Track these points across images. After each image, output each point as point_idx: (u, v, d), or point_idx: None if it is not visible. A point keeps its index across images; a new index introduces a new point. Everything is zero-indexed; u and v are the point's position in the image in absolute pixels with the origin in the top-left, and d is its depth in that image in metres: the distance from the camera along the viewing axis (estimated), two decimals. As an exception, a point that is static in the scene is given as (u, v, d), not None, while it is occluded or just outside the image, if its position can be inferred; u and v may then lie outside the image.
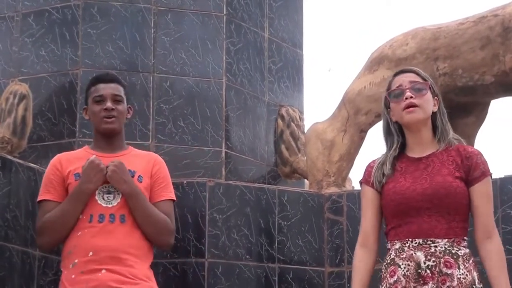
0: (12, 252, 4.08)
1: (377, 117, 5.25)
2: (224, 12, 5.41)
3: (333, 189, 5.05)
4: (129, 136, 5.00)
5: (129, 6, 5.27)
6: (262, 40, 5.66)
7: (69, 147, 4.93)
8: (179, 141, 5.20)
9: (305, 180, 5.68)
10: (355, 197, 4.71)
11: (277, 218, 4.68)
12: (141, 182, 3.40)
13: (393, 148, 2.99)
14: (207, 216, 4.52)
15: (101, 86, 3.48)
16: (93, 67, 5.13)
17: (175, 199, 3.52)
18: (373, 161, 3.06)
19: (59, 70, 5.18)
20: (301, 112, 5.87)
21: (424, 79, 2.98)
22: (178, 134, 5.15)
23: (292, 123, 5.69)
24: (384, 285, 2.90)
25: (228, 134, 5.33)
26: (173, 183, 4.54)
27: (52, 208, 3.38)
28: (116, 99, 3.46)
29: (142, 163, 3.47)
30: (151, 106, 5.20)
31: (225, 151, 5.26)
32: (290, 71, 5.86)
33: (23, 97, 5.06)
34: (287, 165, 5.66)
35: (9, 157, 4.32)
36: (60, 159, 3.51)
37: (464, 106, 5.24)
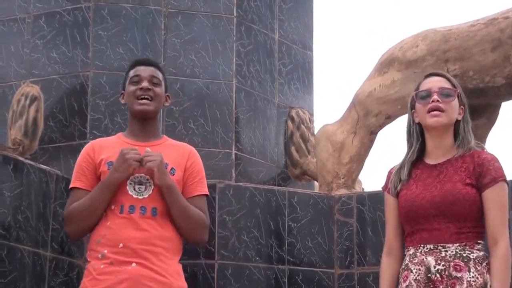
0: (23, 253, 4.12)
1: (387, 119, 5.25)
2: (234, 14, 5.43)
3: (343, 191, 5.05)
4: None
5: (139, 8, 5.28)
6: (272, 42, 5.67)
7: (80, 149, 4.98)
8: (189, 142, 5.12)
9: (315, 182, 5.68)
10: (365, 199, 4.72)
11: (287, 219, 4.69)
12: (173, 174, 3.29)
13: (412, 151, 2.98)
14: (217, 218, 4.52)
15: (140, 68, 3.39)
16: (103, 69, 5.16)
17: (208, 194, 3.43)
18: (393, 167, 3.05)
19: (70, 72, 5.20)
20: (311, 114, 5.88)
21: (454, 86, 2.97)
22: (188, 136, 5.14)
23: (302, 125, 5.70)
24: None
25: (238, 136, 5.34)
26: None
27: (82, 197, 3.28)
28: (154, 82, 3.36)
29: (175, 155, 3.36)
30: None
31: (235, 153, 5.27)
32: (300, 73, 5.86)
33: (34, 99, 5.08)
34: (297, 167, 5.66)
35: (20, 158, 4.36)
36: (93, 146, 3.39)
37: (475, 108, 5.19)
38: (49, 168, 4.49)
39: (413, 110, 2.98)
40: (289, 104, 5.70)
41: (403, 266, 2.91)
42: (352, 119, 5.28)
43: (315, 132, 5.55)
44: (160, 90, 3.37)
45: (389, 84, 5.17)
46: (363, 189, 5.92)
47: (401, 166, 2.97)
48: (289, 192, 4.78)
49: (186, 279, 4.41)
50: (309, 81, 5.95)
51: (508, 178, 2.98)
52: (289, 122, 5.67)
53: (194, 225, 3.27)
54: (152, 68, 3.39)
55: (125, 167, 3.17)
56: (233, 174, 5.19)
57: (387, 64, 5.31)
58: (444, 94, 2.93)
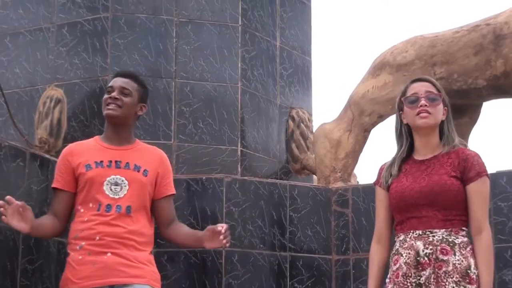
0: (49, 242, 4.11)
1: (380, 118, 5.26)
2: (240, 23, 5.42)
3: (339, 184, 5.05)
4: (153, 136, 5.02)
5: (153, 18, 5.28)
6: (274, 48, 5.66)
7: None
8: (199, 140, 5.20)
9: (314, 175, 5.67)
10: (359, 191, 4.72)
11: (288, 210, 4.68)
12: (146, 176, 3.32)
13: (402, 149, 2.99)
14: (224, 209, 4.53)
15: (115, 79, 3.42)
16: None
17: (174, 192, 3.47)
18: (384, 164, 3.06)
19: (91, 76, 5.20)
20: (310, 114, 5.86)
21: (439, 91, 2.99)
22: (198, 134, 5.16)
23: (301, 124, 5.70)
24: (390, 272, 2.92)
25: (243, 134, 5.33)
26: (193, 179, 4.58)
27: (59, 196, 3.36)
28: (124, 92, 3.36)
29: (148, 158, 3.38)
30: (173, 109, 5.21)
31: (241, 150, 5.27)
32: (300, 76, 5.85)
33: (58, 101, 5.08)
34: (297, 162, 5.66)
35: (46, 155, 4.34)
36: (71, 150, 3.42)
37: (458, 108, 5.19)
38: None
39: (401, 112, 3.00)
40: (290, 105, 5.69)
41: (394, 251, 2.93)
42: (347, 118, 5.29)
43: (314, 130, 5.54)
44: (129, 100, 3.37)
45: (381, 86, 5.17)
46: (358, 182, 5.92)
47: (392, 162, 2.99)
48: (290, 185, 4.78)
49: (197, 265, 4.48)
50: (308, 83, 5.93)
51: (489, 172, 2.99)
52: (290, 121, 5.67)
53: None
54: (126, 80, 3.40)
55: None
56: (239, 169, 5.19)
57: (379, 67, 5.31)
58: (431, 98, 2.95)
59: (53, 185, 3.41)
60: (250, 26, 5.49)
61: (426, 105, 2.92)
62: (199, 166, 5.07)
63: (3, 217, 3.14)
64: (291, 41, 5.80)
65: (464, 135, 5.34)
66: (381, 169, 3.06)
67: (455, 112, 5.25)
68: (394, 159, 3.00)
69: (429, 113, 2.92)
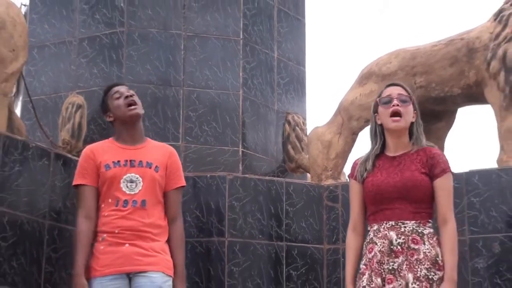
0: (71, 233, 4.08)
1: (366, 122, 5.23)
2: (241, 37, 5.41)
3: (330, 181, 5.04)
4: (163, 138, 4.98)
5: (163, 33, 5.26)
6: (272, 59, 5.64)
7: None
8: (204, 142, 5.18)
9: (308, 174, 5.63)
10: (348, 188, 4.73)
11: (284, 205, 4.67)
12: (157, 172, 3.30)
13: (376, 147, 3.00)
14: (227, 203, 4.51)
15: (116, 88, 3.42)
16: (134, 82, 5.10)
17: (185, 184, 3.42)
18: (358, 159, 3.07)
19: (107, 85, 5.12)
20: (304, 118, 5.83)
21: (409, 94, 3.01)
22: (203, 137, 5.14)
23: (297, 127, 5.66)
24: (365, 259, 2.93)
25: (244, 137, 5.31)
26: (199, 177, 4.57)
27: (88, 192, 3.30)
28: (130, 93, 3.38)
29: (158, 155, 3.35)
30: (181, 114, 5.19)
31: (242, 150, 5.25)
32: (295, 85, 5.82)
33: (79, 107, 5.07)
34: (293, 162, 5.63)
35: (68, 155, 4.36)
36: (92, 150, 3.40)
37: (436, 113, 5.22)
38: None
39: (376, 114, 3.02)
40: (286, 110, 5.66)
41: (368, 240, 2.93)
42: (338, 122, 5.28)
43: (308, 133, 5.53)
44: (137, 98, 3.39)
45: (367, 94, 5.17)
46: (347, 179, 5.90)
47: (367, 158, 3.00)
48: (286, 182, 4.76)
49: (202, 253, 4.47)
50: (302, 91, 5.90)
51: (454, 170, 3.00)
52: (286, 125, 5.63)
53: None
54: (125, 87, 3.42)
55: None
56: (240, 168, 5.17)
57: (366, 77, 5.30)
58: (402, 100, 2.96)
59: (81, 182, 3.36)
60: (251, 40, 5.48)
61: (398, 105, 2.93)
62: (204, 165, 5.06)
63: None
64: (287, 53, 5.78)
65: (441, 138, 5.35)
66: (355, 164, 3.06)
67: (433, 117, 5.31)
68: (368, 155, 3.01)
69: (401, 114, 2.93)
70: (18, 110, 5.19)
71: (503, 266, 4.25)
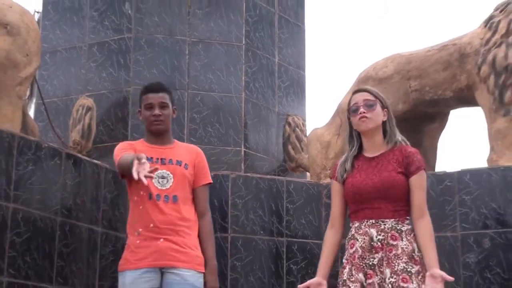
0: (81, 229, 4.16)
1: (363, 124, 5.28)
2: (243, 43, 5.42)
3: (329, 180, 4.96)
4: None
5: (169, 38, 5.27)
6: (273, 64, 5.65)
7: None
8: (208, 142, 5.19)
9: (307, 173, 5.63)
10: (345, 186, 4.74)
11: (285, 202, 4.68)
12: (187, 169, 3.30)
13: (353, 149, 3.02)
14: (229, 201, 4.52)
15: (150, 95, 3.36)
16: (141, 85, 4.97)
17: (211, 181, 3.43)
18: (338, 161, 3.09)
19: (116, 88, 5.20)
20: (304, 120, 5.84)
21: (376, 97, 3.01)
22: (207, 137, 5.15)
23: (297, 129, 5.67)
24: (346, 254, 2.93)
25: (246, 137, 5.32)
26: None
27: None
28: (163, 106, 3.34)
29: (187, 154, 3.36)
30: (186, 116, 5.20)
31: (244, 151, 5.26)
32: (295, 88, 5.83)
33: (89, 109, 5.09)
34: (293, 161, 5.64)
35: (79, 155, 4.40)
36: (130, 143, 3.41)
37: (430, 115, 5.24)
38: (100, 162, 4.49)
39: (350, 120, 3.03)
40: (286, 112, 5.68)
41: (350, 236, 2.93)
42: (336, 124, 5.28)
43: (307, 134, 5.53)
44: (167, 111, 3.35)
45: None
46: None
47: (345, 160, 3.01)
48: (287, 181, 4.78)
49: None
50: (302, 94, 5.91)
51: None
52: (287, 127, 5.65)
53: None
54: (160, 94, 3.35)
55: (132, 170, 3.04)
56: (242, 167, 5.18)
57: (363, 81, 5.28)
58: (368, 105, 2.96)
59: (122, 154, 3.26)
60: (252, 45, 5.49)
61: (364, 112, 2.95)
62: (208, 164, 5.09)
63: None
64: (288, 58, 5.80)
65: (434, 138, 5.36)
66: (335, 165, 3.08)
67: (427, 119, 5.33)
68: (346, 157, 3.02)
69: (367, 117, 2.95)
70: (31, 112, 5.20)
71: (493, 261, 4.26)
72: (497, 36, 4.83)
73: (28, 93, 4.90)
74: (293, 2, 5.93)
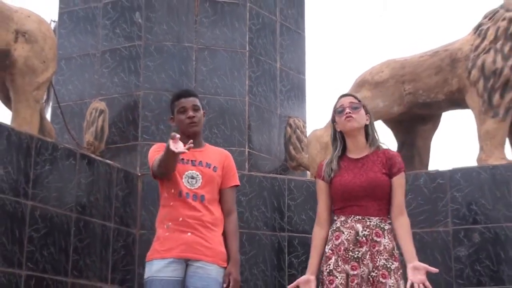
0: (95, 225, 4.18)
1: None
2: (247, 49, 5.40)
3: None
4: None
5: (177, 45, 5.26)
6: (275, 69, 5.64)
7: (134, 148, 4.97)
8: (214, 143, 5.01)
9: (307, 171, 5.63)
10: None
11: (286, 199, 4.69)
12: (215, 171, 3.32)
13: (337, 150, 3.05)
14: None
15: (183, 100, 3.36)
16: (151, 90, 5.13)
17: (239, 184, 3.43)
18: (323, 161, 3.12)
19: (127, 92, 5.18)
20: (304, 122, 5.81)
21: (359, 101, 3.08)
22: (213, 138, 5.12)
23: (297, 130, 5.65)
24: (331, 245, 2.95)
25: (250, 138, 5.31)
26: None
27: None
28: (195, 108, 3.35)
29: (216, 157, 3.36)
30: None
31: (248, 151, 5.25)
32: (296, 92, 5.81)
33: (101, 112, 5.08)
34: (294, 161, 5.62)
35: (92, 155, 4.43)
36: (161, 144, 3.39)
37: (423, 117, 5.26)
38: (112, 162, 4.50)
39: (335, 123, 3.08)
40: (288, 115, 5.65)
41: (335, 228, 2.96)
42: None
43: (307, 135, 5.55)
44: (199, 113, 3.37)
45: (362, 99, 5.22)
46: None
47: (331, 160, 3.04)
48: (288, 179, 4.79)
49: None
50: (302, 97, 5.90)
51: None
52: (288, 128, 5.62)
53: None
54: (191, 98, 3.38)
55: (169, 148, 3.07)
56: (247, 166, 5.16)
57: (360, 85, 5.32)
58: (353, 107, 3.02)
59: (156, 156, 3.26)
60: (256, 52, 5.48)
61: (350, 112, 3.00)
62: None
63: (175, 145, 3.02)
64: (289, 63, 5.78)
65: (427, 138, 5.38)
66: (321, 165, 3.10)
67: (420, 120, 5.35)
68: (331, 158, 3.05)
69: (353, 117, 3.00)
70: (48, 115, 5.16)
71: (482, 254, 4.29)
72: (486, 42, 4.86)
73: (45, 97, 4.90)
74: (293, 11, 5.92)
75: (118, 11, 5.36)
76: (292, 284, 3.04)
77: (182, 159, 3.28)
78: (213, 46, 5.34)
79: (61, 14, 5.56)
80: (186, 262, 3.17)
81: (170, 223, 3.22)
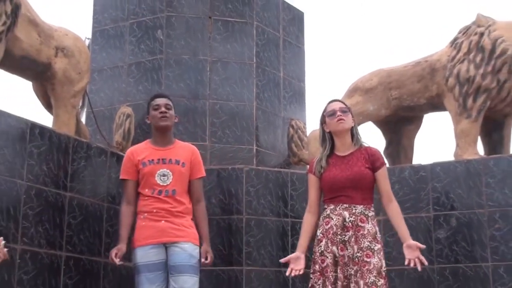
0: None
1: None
2: (254, 61, 5.41)
3: None
4: (194, 139, 5.00)
5: (193, 58, 5.27)
6: (279, 78, 5.64)
7: None
8: (226, 142, 5.19)
9: (307, 166, 5.63)
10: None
11: (289, 190, 4.70)
12: (184, 167, 3.35)
13: (326, 149, 3.10)
14: (244, 189, 4.56)
15: (158, 99, 3.45)
16: (171, 96, 5.01)
17: (205, 175, 3.44)
18: (314, 159, 3.17)
19: None
20: (304, 123, 5.72)
21: (347, 106, 3.13)
22: (225, 138, 5.14)
23: (298, 130, 5.56)
24: (321, 229, 3.00)
25: (258, 138, 5.32)
26: (221, 169, 4.57)
27: (129, 184, 3.33)
28: (167, 107, 3.41)
29: (184, 153, 3.38)
30: (207, 120, 5.19)
31: (256, 148, 5.26)
32: (297, 97, 5.82)
33: (128, 116, 5.06)
34: (296, 157, 5.50)
35: (121, 153, 4.38)
36: (132, 151, 3.44)
37: (407, 118, 5.28)
38: None
39: (324, 124, 3.12)
40: (290, 117, 5.63)
41: (325, 215, 3.00)
42: (331, 126, 5.33)
43: (307, 135, 5.51)
44: (171, 112, 3.41)
45: (354, 104, 5.19)
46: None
47: (320, 158, 3.09)
48: (291, 173, 4.79)
49: (225, 228, 4.48)
50: (302, 102, 5.89)
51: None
52: (290, 129, 5.53)
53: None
54: (164, 99, 3.43)
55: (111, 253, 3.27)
56: (254, 162, 5.18)
57: (353, 91, 5.33)
58: (343, 111, 3.08)
59: (124, 177, 3.40)
60: (262, 63, 5.48)
61: (341, 115, 3.05)
62: (226, 160, 5.07)
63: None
64: (291, 73, 5.78)
65: (411, 137, 5.40)
66: (312, 162, 3.15)
67: (405, 121, 5.37)
68: (321, 156, 3.10)
69: (344, 120, 3.05)
70: (83, 119, 5.19)
71: (459, 236, 4.30)
72: (460, 54, 4.89)
73: (80, 103, 4.93)
74: (294, 29, 5.93)
75: (143, 29, 5.38)
76: (284, 259, 3.06)
77: (153, 160, 3.32)
78: (225, 58, 5.36)
79: (94, 32, 5.58)
80: (165, 246, 3.24)
81: (146, 214, 3.29)
